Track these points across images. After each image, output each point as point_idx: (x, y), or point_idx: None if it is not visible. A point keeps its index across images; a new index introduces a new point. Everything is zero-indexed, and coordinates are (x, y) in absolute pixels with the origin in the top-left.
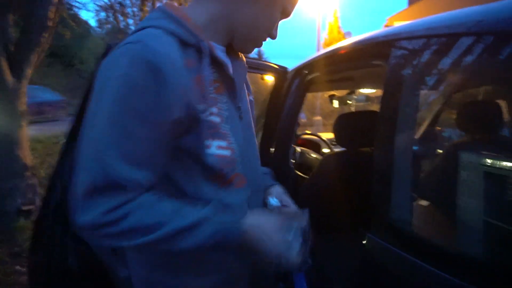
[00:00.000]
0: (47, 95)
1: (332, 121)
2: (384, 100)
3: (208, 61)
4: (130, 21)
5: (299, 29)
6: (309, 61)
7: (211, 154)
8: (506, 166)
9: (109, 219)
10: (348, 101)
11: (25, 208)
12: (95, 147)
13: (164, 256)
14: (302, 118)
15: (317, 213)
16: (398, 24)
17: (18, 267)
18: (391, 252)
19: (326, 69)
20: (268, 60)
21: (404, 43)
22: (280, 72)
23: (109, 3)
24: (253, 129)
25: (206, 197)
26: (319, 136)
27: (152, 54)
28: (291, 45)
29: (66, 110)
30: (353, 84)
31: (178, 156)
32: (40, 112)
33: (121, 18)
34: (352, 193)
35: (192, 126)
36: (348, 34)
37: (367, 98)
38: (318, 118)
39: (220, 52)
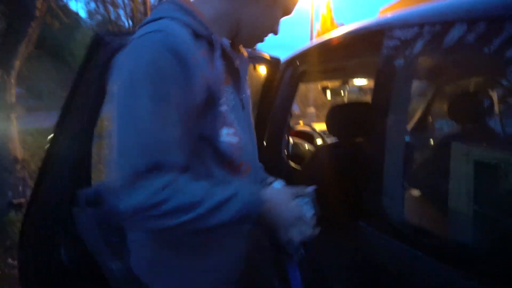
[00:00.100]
0: None
1: (325, 112)
2: (376, 90)
3: (219, 53)
4: (121, 12)
5: (292, 20)
6: (301, 51)
7: (222, 140)
8: (496, 155)
9: (155, 201)
10: (342, 92)
11: (15, 201)
12: (135, 133)
13: (171, 236)
14: (295, 109)
15: None
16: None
17: (10, 260)
18: (383, 240)
19: (319, 60)
20: (261, 51)
21: (397, 32)
22: (273, 62)
23: None
24: (252, 121)
25: None
26: (312, 128)
27: (175, 42)
28: (284, 36)
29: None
30: (346, 74)
31: (194, 141)
32: None
33: (111, 8)
34: (345, 183)
35: (208, 113)
36: (341, 26)
37: (360, 89)
38: (312, 109)
39: (228, 45)
